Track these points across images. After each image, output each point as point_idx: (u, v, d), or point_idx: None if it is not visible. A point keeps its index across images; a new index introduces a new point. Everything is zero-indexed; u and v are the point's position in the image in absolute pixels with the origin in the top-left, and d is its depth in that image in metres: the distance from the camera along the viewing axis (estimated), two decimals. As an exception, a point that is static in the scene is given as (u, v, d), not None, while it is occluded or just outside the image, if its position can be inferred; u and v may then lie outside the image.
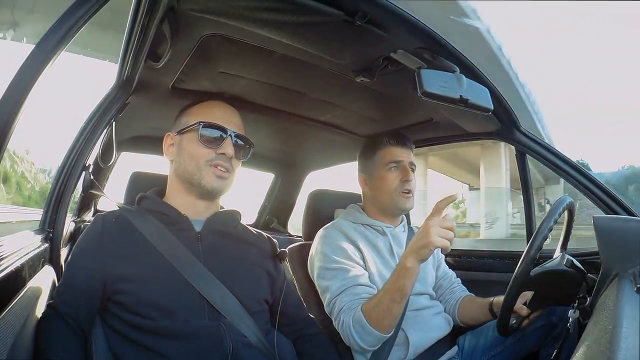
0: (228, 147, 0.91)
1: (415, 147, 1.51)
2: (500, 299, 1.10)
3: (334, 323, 1.09)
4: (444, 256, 1.41)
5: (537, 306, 1.04)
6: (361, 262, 1.16)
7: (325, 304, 1.12)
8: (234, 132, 0.93)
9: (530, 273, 0.93)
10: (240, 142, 0.95)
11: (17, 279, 0.70)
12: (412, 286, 0.97)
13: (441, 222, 0.92)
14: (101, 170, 1.62)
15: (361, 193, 1.34)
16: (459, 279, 1.36)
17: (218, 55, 0.95)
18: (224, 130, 0.92)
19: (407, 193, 1.22)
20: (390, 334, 1.02)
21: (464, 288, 1.33)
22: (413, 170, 1.25)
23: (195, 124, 0.91)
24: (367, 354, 1.11)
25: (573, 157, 1.25)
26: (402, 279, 0.95)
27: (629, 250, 0.80)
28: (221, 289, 0.86)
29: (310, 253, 1.23)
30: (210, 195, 0.93)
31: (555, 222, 0.92)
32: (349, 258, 1.14)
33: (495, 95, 0.99)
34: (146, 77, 1.00)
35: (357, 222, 1.25)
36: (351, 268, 1.12)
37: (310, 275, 1.21)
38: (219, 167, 0.91)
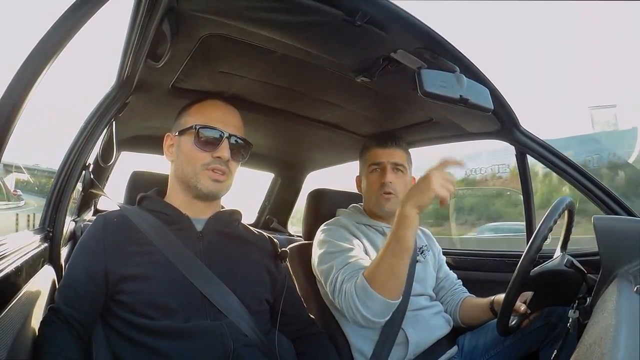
0: (224, 151, 0.90)
1: (415, 147, 1.50)
2: (501, 297, 1.10)
3: (336, 301, 1.04)
4: (444, 257, 1.41)
5: (537, 306, 1.04)
6: (363, 252, 1.15)
7: (327, 283, 1.09)
8: (231, 134, 0.92)
9: (530, 273, 0.93)
10: (238, 143, 0.94)
11: (17, 278, 0.70)
12: (413, 239, 0.92)
13: (444, 173, 0.91)
14: (101, 170, 1.62)
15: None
16: (460, 280, 1.36)
17: (218, 55, 0.95)
18: (220, 132, 0.91)
19: (387, 194, 1.21)
20: (397, 300, 0.96)
21: (465, 289, 1.34)
22: (400, 170, 1.24)
23: (192, 126, 0.91)
24: (367, 353, 1.11)
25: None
26: (402, 229, 0.91)
27: (629, 250, 0.80)
28: (222, 289, 0.86)
29: (312, 249, 1.22)
30: (207, 198, 0.93)
31: (555, 222, 0.92)
32: (351, 244, 1.13)
33: (495, 95, 0.99)
34: (146, 76, 0.99)
35: (359, 223, 1.25)
36: (354, 252, 1.11)
37: (313, 268, 1.20)
38: (215, 171, 0.90)
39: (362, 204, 1.34)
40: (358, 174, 1.35)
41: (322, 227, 1.24)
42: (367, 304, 0.95)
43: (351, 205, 1.34)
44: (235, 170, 0.96)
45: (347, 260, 1.07)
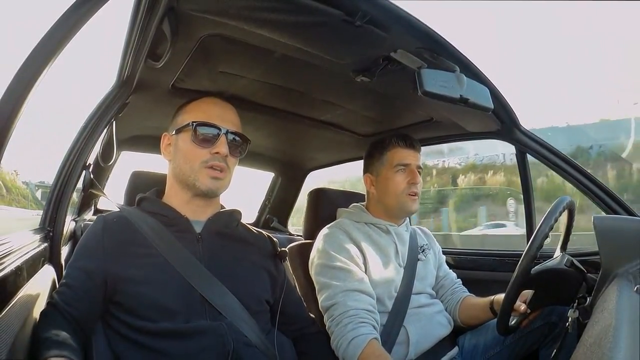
0: (222, 146, 0.90)
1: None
2: (500, 297, 1.11)
3: (326, 315, 1.09)
4: (444, 256, 1.41)
5: (536, 305, 1.04)
6: (362, 266, 1.15)
7: (322, 298, 1.12)
8: (229, 130, 0.92)
9: (531, 271, 0.94)
10: (235, 139, 0.94)
11: (17, 278, 0.70)
12: None
13: None
14: (101, 170, 1.62)
15: (365, 192, 1.33)
16: (459, 279, 1.37)
17: (218, 55, 0.95)
18: (218, 128, 0.91)
19: (414, 195, 1.22)
20: None
21: (465, 289, 1.34)
22: (420, 173, 1.25)
23: (189, 123, 0.91)
24: None
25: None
26: None
27: (628, 250, 0.80)
28: (222, 290, 0.86)
29: (312, 251, 1.22)
30: (206, 195, 0.92)
31: (556, 220, 0.92)
32: (351, 259, 1.14)
33: (495, 95, 0.99)
34: (146, 76, 0.99)
35: (360, 222, 1.25)
36: (353, 270, 1.12)
37: (310, 272, 1.20)
38: (213, 168, 0.90)
39: (363, 203, 1.33)
40: (369, 173, 1.30)
41: (323, 230, 1.24)
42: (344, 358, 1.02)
43: (352, 205, 1.34)
44: (233, 167, 0.95)
45: (347, 286, 1.09)
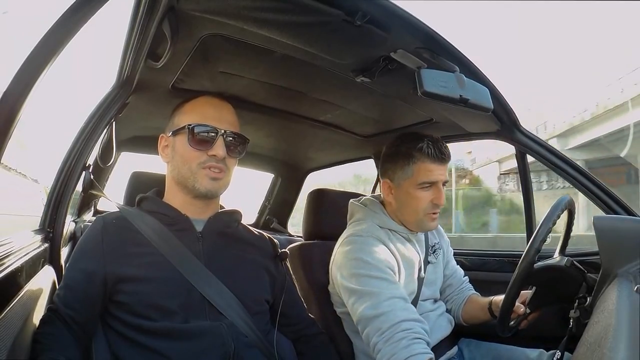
0: (219, 148, 0.88)
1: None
2: (498, 298, 1.11)
3: (370, 327, 0.98)
4: (452, 250, 1.36)
5: (536, 305, 1.04)
6: (397, 277, 1.08)
7: (363, 307, 1.00)
8: (226, 130, 0.90)
9: (534, 266, 0.94)
10: (233, 139, 0.92)
11: (17, 279, 0.70)
12: None
13: None
14: (101, 170, 1.62)
15: (382, 196, 1.21)
16: (467, 277, 1.34)
17: (218, 55, 0.95)
18: (215, 130, 0.89)
19: (435, 214, 1.14)
20: None
21: (471, 287, 1.32)
22: (444, 186, 1.14)
23: (185, 126, 0.89)
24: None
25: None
26: None
27: (629, 250, 0.80)
28: (222, 289, 0.86)
29: (334, 259, 1.13)
30: (206, 197, 0.91)
31: (559, 217, 0.93)
32: (389, 268, 1.06)
33: (495, 95, 0.99)
34: (146, 77, 0.99)
35: (384, 227, 1.15)
36: (393, 279, 1.04)
37: (336, 283, 1.11)
38: (211, 169, 0.89)
39: (377, 196, 1.24)
40: (388, 179, 1.16)
41: (352, 237, 1.12)
42: None
43: (371, 202, 1.21)
44: (232, 167, 0.94)
45: (391, 293, 0.99)
